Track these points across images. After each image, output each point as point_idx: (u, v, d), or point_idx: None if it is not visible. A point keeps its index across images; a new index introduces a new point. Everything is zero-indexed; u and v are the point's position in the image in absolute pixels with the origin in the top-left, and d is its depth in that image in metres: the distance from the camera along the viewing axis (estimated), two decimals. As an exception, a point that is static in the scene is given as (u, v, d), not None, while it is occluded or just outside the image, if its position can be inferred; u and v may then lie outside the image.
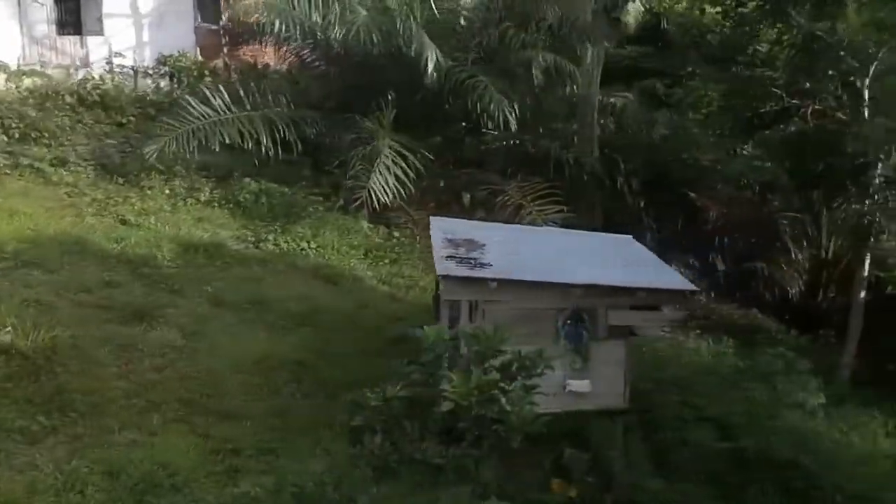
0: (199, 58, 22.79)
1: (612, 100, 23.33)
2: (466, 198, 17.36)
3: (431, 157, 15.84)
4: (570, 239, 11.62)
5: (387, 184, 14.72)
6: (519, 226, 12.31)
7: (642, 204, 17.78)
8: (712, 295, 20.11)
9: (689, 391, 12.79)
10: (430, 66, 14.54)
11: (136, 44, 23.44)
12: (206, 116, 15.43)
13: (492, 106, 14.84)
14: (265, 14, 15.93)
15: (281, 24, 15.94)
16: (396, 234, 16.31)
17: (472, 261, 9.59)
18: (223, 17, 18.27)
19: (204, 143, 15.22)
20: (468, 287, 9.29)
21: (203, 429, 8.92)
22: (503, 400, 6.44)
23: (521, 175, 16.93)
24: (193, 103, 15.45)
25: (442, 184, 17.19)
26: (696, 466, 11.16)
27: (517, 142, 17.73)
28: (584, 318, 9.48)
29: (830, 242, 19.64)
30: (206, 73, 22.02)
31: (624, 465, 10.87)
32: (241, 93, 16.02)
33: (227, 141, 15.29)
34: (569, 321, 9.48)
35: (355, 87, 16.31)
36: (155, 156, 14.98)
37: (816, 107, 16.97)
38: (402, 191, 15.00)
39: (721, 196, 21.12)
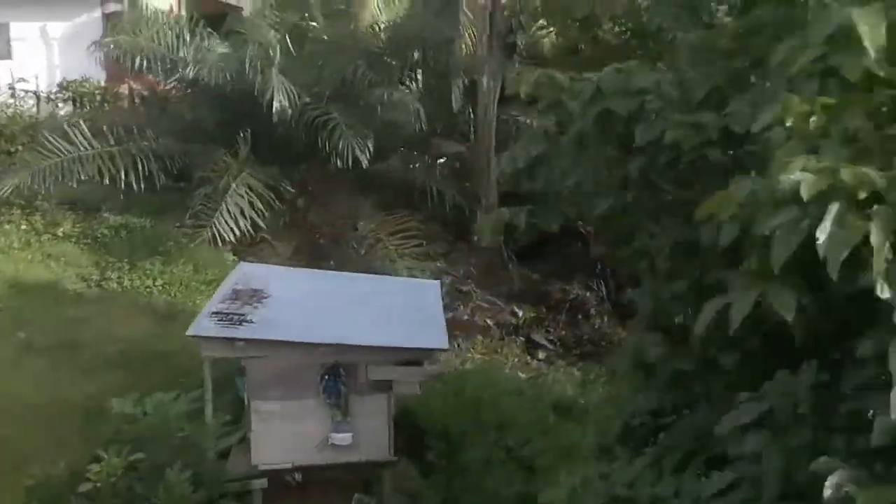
0: (104, 83, 22.91)
1: (530, 121, 23.47)
2: (361, 224, 17.59)
3: (292, 191, 16.03)
4: (369, 287, 11.74)
5: (236, 222, 14.90)
6: (329, 273, 12.46)
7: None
8: (605, 319, 20.26)
9: (510, 431, 12.92)
10: (276, 105, 14.70)
11: (47, 68, 23.64)
12: (66, 152, 15.59)
13: (341, 143, 15.01)
14: (124, 48, 16.17)
15: (141, 59, 16.12)
16: (263, 266, 16.45)
17: (236, 317, 9.77)
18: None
19: (61, 179, 15.39)
20: (221, 345, 9.51)
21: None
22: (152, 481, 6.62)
23: (392, 207, 17.16)
24: (51, 138, 15.61)
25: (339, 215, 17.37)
26: (488, 512, 11.35)
27: (392, 173, 17.97)
28: (341, 373, 9.69)
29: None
30: (109, 98, 22.16)
31: (410, 510, 11.06)
32: (105, 128, 16.17)
33: (83, 178, 15.43)
34: (326, 376, 9.69)
35: (220, 122, 16.49)
36: (10, 191, 15.15)
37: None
38: (250, 225, 15.18)
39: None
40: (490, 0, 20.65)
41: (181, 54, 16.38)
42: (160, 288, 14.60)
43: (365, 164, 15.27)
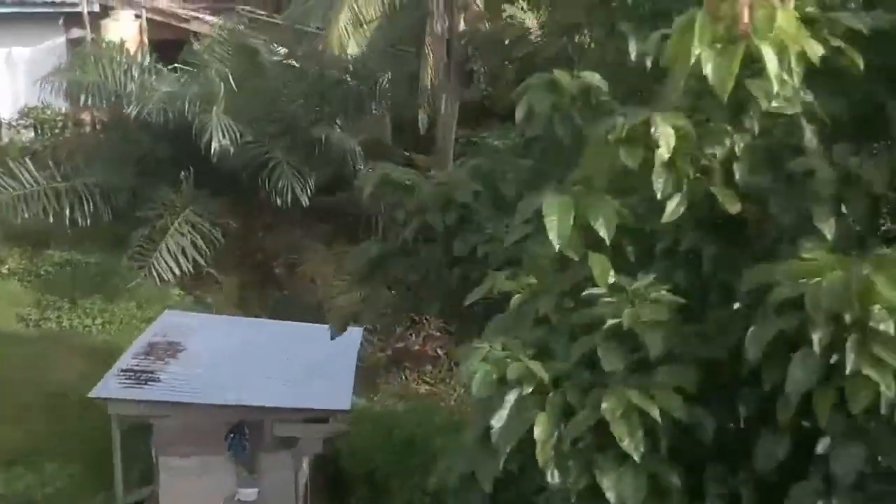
0: (65, 110, 22.99)
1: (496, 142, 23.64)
2: (306, 258, 17.69)
3: (235, 225, 16.23)
4: (287, 337, 11.86)
5: (176, 261, 15.06)
6: (251, 321, 12.59)
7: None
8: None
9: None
10: (215, 145, 14.84)
11: (12, 94, 23.73)
12: (10, 188, 15.73)
13: (280, 182, 15.19)
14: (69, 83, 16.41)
15: (87, 95, 16.32)
16: (210, 300, 16.58)
17: (143, 375, 9.94)
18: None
19: (6, 215, 15.55)
20: (127, 403, 9.69)
21: None
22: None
23: (348, 235, 17.28)
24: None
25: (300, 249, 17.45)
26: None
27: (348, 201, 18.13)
28: (245, 431, 9.86)
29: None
30: (71, 125, 22.25)
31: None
32: (52, 163, 16.33)
33: (27, 216, 15.59)
34: (232, 434, 9.87)
35: (165, 158, 16.64)
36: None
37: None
38: (192, 265, 15.33)
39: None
40: (447, 29, 20.91)
41: (128, 90, 16.53)
42: (100, 327, 14.71)
43: (305, 202, 15.44)
